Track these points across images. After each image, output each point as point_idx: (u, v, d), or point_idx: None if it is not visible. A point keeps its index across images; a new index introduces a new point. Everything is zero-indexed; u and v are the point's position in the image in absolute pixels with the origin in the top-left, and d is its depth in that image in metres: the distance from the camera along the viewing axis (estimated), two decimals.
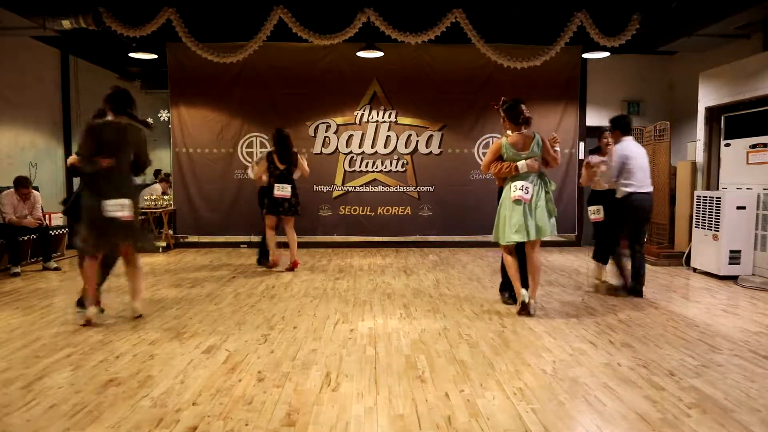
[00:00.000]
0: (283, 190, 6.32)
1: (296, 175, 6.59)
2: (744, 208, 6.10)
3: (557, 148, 4.66)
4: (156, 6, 6.48)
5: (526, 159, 4.47)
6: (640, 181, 5.18)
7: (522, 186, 4.45)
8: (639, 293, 5.25)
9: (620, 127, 5.35)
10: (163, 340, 3.86)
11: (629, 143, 5.28)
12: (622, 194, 5.24)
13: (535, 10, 6.83)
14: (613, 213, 5.38)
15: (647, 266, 6.98)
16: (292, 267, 6.65)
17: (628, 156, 5.18)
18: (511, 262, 4.64)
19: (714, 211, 6.27)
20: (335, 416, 2.65)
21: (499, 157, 4.61)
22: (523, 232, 4.42)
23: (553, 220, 4.55)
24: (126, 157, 4.28)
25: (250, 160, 8.42)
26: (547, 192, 4.57)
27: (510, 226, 4.46)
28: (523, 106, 4.56)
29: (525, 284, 4.63)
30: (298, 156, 6.53)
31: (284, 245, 6.73)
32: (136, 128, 4.34)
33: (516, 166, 4.48)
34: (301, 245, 7.36)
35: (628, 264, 5.38)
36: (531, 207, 4.45)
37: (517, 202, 4.45)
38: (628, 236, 5.40)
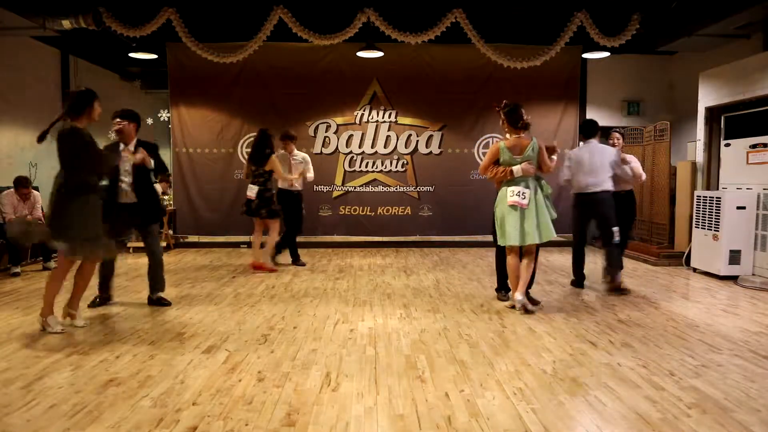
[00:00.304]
0: (249, 191, 6.40)
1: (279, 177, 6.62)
2: (744, 208, 6.10)
3: (554, 157, 4.71)
4: (156, 6, 6.47)
5: (521, 163, 4.51)
6: (583, 183, 5.42)
7: (519, 192, 4.49)
8: (618, 289, 5.36)
9: (582, 131, 5.70)
10: (163, 340, 3.86)
11: (582, 146, 5.57)
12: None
13: (535, 10, 6.82)
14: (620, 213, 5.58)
15: (647, 266, 7.03)
16: (252, 266, 6.62)
17: (572, 160, 5.50)
18: (512, 264, 4.65)
19: (714, 211, 6.27)
20: (335, 416, 2.65)
21: (496, 161, 4.66)
22: (518, 236, 4.48)
23: (551, 222, 4.63)
24: (64, 164, 3.98)
25: None
26: (546, 196, 4.60)
27: (507, 230, 4.51)
28: (523, 111, 4.62)
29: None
30: (271, 158, 6.39)
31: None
32: (66, 133, 3.94)
33: (511, 170, 4.52)
34: (301, 245, 7.38)
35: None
36: (529, 211, 4.48)
37: (513, 207, 4.50)
38: (600, 236, 5.60)
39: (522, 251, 4.67)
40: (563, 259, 7.62)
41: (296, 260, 7.05)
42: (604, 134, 5.86)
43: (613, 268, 5.44)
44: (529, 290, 4.86)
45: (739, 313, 4.70)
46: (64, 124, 4.00)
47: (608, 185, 5.39)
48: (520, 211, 4.50)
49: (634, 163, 5.67)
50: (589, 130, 5.58)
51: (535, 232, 4.48)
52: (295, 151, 6.90)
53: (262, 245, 6.75)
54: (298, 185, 6.83)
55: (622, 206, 5.55)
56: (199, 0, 6.64)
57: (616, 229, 5.38)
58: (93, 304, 4.78)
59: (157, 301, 4.88)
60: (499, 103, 4.74)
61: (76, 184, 3.97)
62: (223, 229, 8.68)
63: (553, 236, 4.58)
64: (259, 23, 6.64)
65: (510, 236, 4.51)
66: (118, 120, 4.58)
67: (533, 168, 4.53)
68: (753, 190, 6.14)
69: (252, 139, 8.54)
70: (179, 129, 8.62)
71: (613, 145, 5.65)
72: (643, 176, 5.85)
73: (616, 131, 5.81)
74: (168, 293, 5.34)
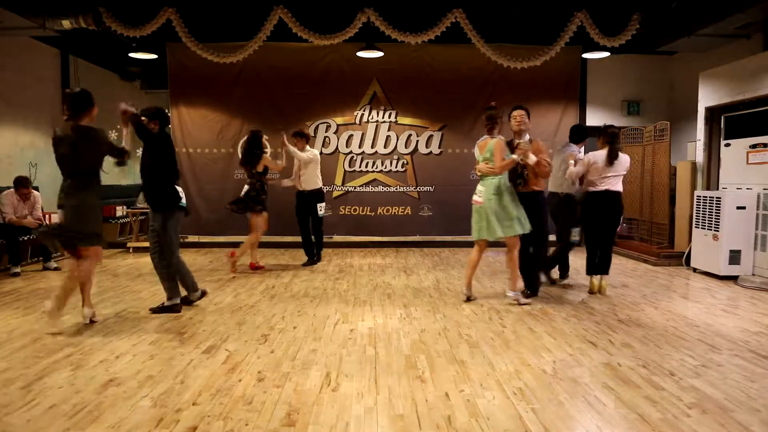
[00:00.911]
0: (243, 190, 6.48)
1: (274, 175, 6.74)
2: (744, 208, 6.09)
3: (514, 156, 4.75)
4: (156, 6, 6.48)
5: (480, 162, 4.90)
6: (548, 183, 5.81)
7: (478, 190, 4.86)
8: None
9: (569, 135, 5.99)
10: (163, 340, 3.86)
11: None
12: None
13: (535, 10, 6.83)
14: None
15: (647, 266, 7.04)
16: (230, 254, 6.67)
17: None
18: (470, 258, 5.06)
19: (714, 211, 6.26)
20: (335, 416, 2.65)
21: None
22: (475, 232, 4.89)
23: (513, 221, 4.70)
24: (79, 162, 4.10)
25: None
26: (497, 195, 4.72)
27: (472, 225, 4.96)
28: (516, 113, 4.92)
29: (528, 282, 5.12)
30: (263, 157, 6.45)
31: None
32: (89, 131, 4.11)
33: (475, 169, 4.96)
34: (295, 245, 7.40)
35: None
36: (482, 209, 4.80)
37: (474, 204, 4.89)
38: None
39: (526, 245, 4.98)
40: None
41: (308, 261, 7.09)
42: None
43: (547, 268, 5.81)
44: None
45: (739, 313, 4.70)
46: (72, 124, 4.07)
47: (554, 188, 5.78)
48: (478, 210, 4.85)
49: (575, 161, 5.50)
50: (572, 135, 5.88)
51: (484, 229, 4.80)
52: (307, 147, 6.87)
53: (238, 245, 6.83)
54: (305, 185, 6.81)
55: (598, 206, 5.33)
56: (199, 0, 6.65)
57: (567, 231, 5.69)
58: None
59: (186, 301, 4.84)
60: (496, 104, 5.02)
61: (90, 181, 4.16)
62: (223, 229, 8.68)
63: (496, 236, 4.74)
64: (259, 23, 6.64)
65: (472, 231, 4.96)
66: (143, 118, 4.57)
67: (487, 168, 4.80)
68: (753, 190, 6.14)
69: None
70: (179, 129, 8.62)
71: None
72: (562, 171, 5.56)
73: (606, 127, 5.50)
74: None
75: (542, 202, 5.09)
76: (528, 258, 5.08)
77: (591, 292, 5.39)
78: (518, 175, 4.93)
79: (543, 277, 5.78)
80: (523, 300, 4.90)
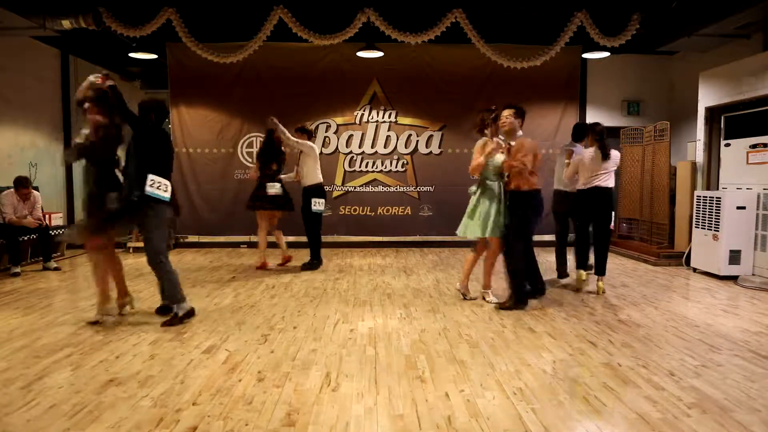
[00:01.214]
0: (272, 188, 6.52)
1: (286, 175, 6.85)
2: (744, 208, 6.10)
3: (480, 159, 4.83)
4: (156, 6, 6.47)
5: None
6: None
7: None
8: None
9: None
10: (163, 340, 3.86)
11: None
12: None
13: (534, 10, 6.82)
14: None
15: (647, 266, 7.03)
16: (285, 262, 6.88)
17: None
18: (469, 255, 5.17)
19: (714, 211, 6.27)
20: (335, 416, 2.65)
21: None
22: (458, 230, 5.02)
23: (480, 222, 4.78)
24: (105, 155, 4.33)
25: (251, 160, 8.45)
26: (474, 195, 4.88)
27: None
28: (504, 112, 4.89)
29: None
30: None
31: (268, 245, 6.95)
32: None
33: None
34: (303, 245, 7.39)
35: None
36: (469, 209, 4.93)
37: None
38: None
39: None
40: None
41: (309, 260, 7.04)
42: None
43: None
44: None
45: (739, 313, 4.70)
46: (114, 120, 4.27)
47: (560, 185, 5.98)
48: (468, 208, 4.98)
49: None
50: (574, 133, 5.96)
51: (462, 227, 4.96)
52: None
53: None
54: (304, 180, 6.74)
55: (589, 203, 5.33)
56: (199, 0, 6.64)
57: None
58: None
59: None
60: (496, 107, 5.03)
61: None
62: (223, 229, 8.69)
63: (471, 236, 4.87)
64: (259, 23, 6.64)
65: None
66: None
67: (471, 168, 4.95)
68: (753, 190, 6.14)
69: (252, 139, 8.60)
70: (179, 129, 8.62)
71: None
72: (565, 178, 5.74)
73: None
74: None
75: (521, 201, 4.70)
76: (530, 259, 5.04)
77: (577, 289, 5.49)
78: (500, 174, 4.89)
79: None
80: (491, 298, 4.99)
